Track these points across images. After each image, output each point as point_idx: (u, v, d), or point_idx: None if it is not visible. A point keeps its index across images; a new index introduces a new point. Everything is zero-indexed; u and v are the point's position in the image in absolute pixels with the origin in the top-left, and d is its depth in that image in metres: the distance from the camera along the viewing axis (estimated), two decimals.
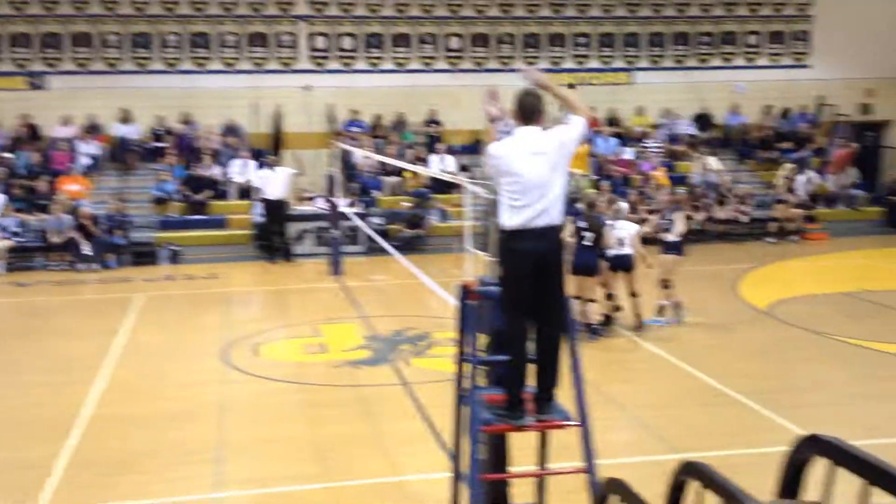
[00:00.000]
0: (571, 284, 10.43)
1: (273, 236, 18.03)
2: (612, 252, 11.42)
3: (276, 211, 17.95)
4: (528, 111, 5.48)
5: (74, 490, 7.09)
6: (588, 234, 11.00)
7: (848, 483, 2.14)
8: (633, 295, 11.66)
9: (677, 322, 11.97)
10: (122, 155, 20.47)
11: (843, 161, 20.62)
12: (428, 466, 7.35)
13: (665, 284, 11.95)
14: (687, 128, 21.79)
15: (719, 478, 2.69)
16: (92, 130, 20.55)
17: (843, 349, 10.93)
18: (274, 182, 18.10)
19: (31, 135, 20.28)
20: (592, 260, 11.04)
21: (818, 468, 2.24)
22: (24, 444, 8.06)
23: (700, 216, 18.72)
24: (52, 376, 10.16)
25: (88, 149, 20.00)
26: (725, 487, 2.61)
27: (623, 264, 11.53)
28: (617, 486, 3.52)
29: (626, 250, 11.50)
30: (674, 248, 11.97)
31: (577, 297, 10.62)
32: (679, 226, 11.94)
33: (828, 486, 2.14)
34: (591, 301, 11.26)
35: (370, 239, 17.27)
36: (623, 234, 11.52)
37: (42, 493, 7.00)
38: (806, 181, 20.22)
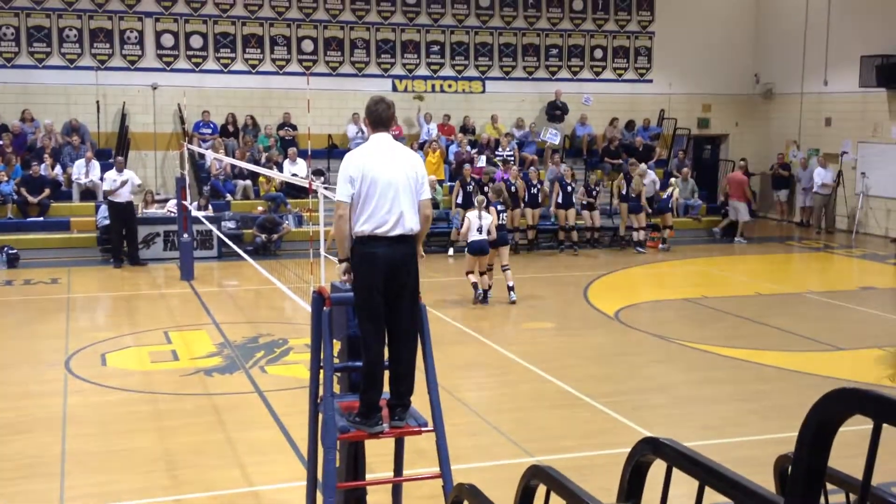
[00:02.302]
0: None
1: (120, 240, 17.37)
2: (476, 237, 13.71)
3: (123, 214, 17.30)
4: (380, 118, 5.60)
5: None
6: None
7: (686, 484, 2.30)
8: (482, 273, 14.26)
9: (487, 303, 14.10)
10: None
11: (740, 186, 21.66)
12: (284, 475, 7.29)
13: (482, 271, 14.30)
14: (551, 137, 22.40)
15: (565, 481, 2.83)
16: None
17: (684, 353, 11.51)
18: (120, 184, 17.40)
19: None
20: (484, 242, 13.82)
21: (657, 470, 2.40)
22: None
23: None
24: None
25: None
26: (571, 490, 2.75)
27: (483, 248, 13.91)
28: (468, 491, 3.62)
29: (485, 236, 13.81)
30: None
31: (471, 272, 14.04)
32: (486, 220, 13.92)
33: (665, 488, 2.30)
34: (484, 273, 14.23)
35: (222, 243, 16.94)
36: (484, 222, 13.79)
37: None
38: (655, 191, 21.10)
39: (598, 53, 24.58)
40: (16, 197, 18.46)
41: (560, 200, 19.78)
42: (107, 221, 17.97)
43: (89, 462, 7.70)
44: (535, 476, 3.03)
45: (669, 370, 10.82)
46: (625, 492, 2.61)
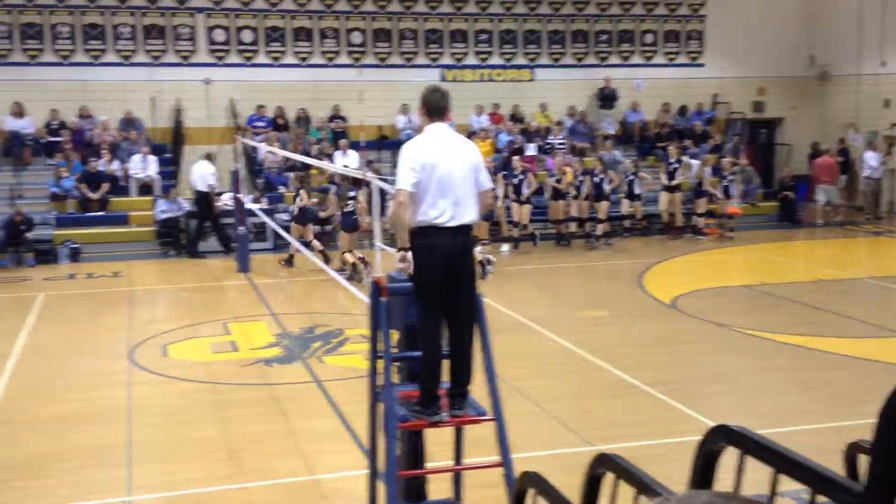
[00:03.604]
0: None
1: (202, 228, 17.71)
2: None
3: (203, 203, 17.70)
4: (436, 108, 5.59)
5: None
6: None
7: (756, 471, 2.28)
8: None
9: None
10: (15, 150, 19.73)
11: (831, 170, 21.36)
12: (343, 464, 7.38)
13: None
14: (607, 126, 22.25)
15: (633, 469, 2.82)
16: None
17: (743, 340, 11.36)
18: (198, 175, 17.87)
19: None
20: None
21: (728, 457, 2.39)
22: None
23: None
24: None
25: None
26: (640, 478, 2.75)
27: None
28: (533, 479, 3.63)
29: None
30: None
31: None
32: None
33: (739, 475, 2.29)
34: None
35: (277, 235, 17.13)
36: None
37: None
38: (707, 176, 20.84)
39: (649, 38, 24.31)
40: (76, 193, 18.86)
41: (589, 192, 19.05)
42: (164, 216, 18.32)
43: (154, 451, 7.87)
44: (603, 464, 3.03)
45: (729, 358, 10.70)
46: (696, 480, 2.60)
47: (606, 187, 18.93)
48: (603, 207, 18.77)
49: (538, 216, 19.08)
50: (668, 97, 23.74)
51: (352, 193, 15.90)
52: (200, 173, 18.13)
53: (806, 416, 8.40)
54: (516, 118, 22.55)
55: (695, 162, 20.78)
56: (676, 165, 19.78)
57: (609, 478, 2.97)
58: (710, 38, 24.50)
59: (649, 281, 15.14)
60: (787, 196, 21.72)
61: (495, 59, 23.35)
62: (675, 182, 19.68)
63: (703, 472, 2.60)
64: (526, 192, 18.22)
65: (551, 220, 19.07)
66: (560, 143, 21.17)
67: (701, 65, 24.52)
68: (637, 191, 19.63)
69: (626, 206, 19.64)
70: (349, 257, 15.08)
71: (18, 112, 20.00)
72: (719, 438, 2.55)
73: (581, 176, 19.00)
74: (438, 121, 5.60)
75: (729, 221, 19.96)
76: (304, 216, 16.49)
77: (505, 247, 18.42)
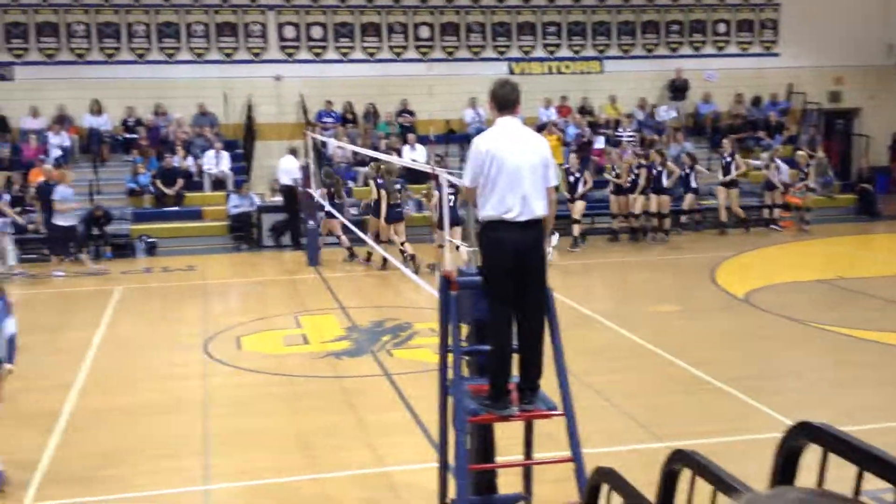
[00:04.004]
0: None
1: (295, 221, 18.10)
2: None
3: (288, 197, 17.98)
4: (506, 101, 5.56)
5: (60, 484, 7.11)
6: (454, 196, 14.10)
7: (838, 468, 2.24)
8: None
9: None
10: (93, 146, 20.31)
11: None
12: (414, 457, 7.43)
13: None
14: (665, 114, 21.91)
15: (712, 465, 2.78)
16: (62, 122, 20.36)
17: (820, 335, 11.12)
18: (284, 169, 18.26)
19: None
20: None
21: (809, 455, 2.34)
22: (9, 439, 8.02)
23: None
24: (34, 370, 10.10)
25: (59, 140, 19.81)
26: (718, 475, 2.71)
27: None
28: (607, 474, 3.60)
29: None
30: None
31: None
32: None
33: (821, 473, 2.24)
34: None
35: (346, 229, 17.29)
36: None
37: (28, 487, 7.02)
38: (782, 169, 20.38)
39: (722, 28, 23.88)
40: (152, 188, 19.32)
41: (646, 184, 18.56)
42: (236, 210, 18.66)
43: (230, 441, 8.02)
44: (680, 460, 3.00)
45: (804, 353, 10.47)
46: (777, 478, 2.56)
47: (666, 181, 18.55)
48: (660, 202, 18.38)
49: (598, 211, 18.91)
50: (742, 88, 23.30)
51: (397, 185, 16.34)
52: (286, 168, 18.50)
53: (886, 414, 8.16)
54: (585, 111, 22.37)
55: (783, 165, 20.14)
56: (730, 159, 19.27)
57: (686, 474, 2.93)
58: (784, 26, 23.95)
59: (722, 275, 14.89)
60: (865, 188, 21.13)
61: (564, 52, 23.20)
62: (730, 177, 19.18)
63: (785, 470, 2.55)
64: (581, 189, 17.87)
65: (612, 215, 18.83)
66: (630, 136, 20.92)
67: (775, 54, 24.00)
68: (693, 184, 19.18)
69: (687, 201, 19.18)
70: (409, 247, 15.37)
71: (97, 110, 20.57)
72: (801, 435, 2.50)
73: (636, 169, 18.60)
74: (508, 114, 5.56)
75: (805, 214, 19.50)
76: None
77: (555, 237, 18.31)
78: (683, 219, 19.34)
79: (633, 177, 18.54)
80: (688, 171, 19.09)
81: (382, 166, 16.33)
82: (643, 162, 18.91)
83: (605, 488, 3.48)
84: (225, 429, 8.30)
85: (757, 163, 20.77)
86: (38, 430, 8.15)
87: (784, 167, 19.96)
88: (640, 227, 18.62)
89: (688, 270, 15.75)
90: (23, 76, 20.83)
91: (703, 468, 2.81)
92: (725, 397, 8.78)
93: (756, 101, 23.29)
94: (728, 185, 19.24)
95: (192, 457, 7.61)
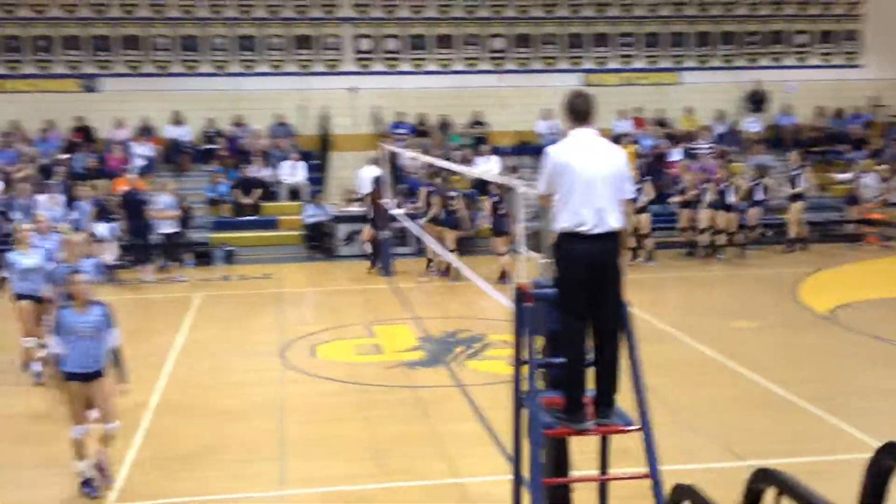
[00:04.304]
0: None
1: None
2: None
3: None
4: (580, 113, 5.53)
5: (141, 485, 7.30)
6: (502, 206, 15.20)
7: None
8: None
9: None
10: (174, 156, 20.85)
11: None
12: (487, 469, 7.43)
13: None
14: (750, 125, 21.47)
15: (799, 485, 2.73)
16: (145, 132, 20.94)
17: None
18: (365, 178, 18.61)
19: (85, 137, 20.72)
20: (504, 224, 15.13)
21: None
22: (92, 442, 8.25)
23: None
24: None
25: (142, 150, 20.37)
26: (806, 495, 2.66)
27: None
28: (687, 492, 3.56)
29: None
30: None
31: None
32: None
33: None
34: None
35: (419, 240, 17.40)
36: None
37: (110, 488, 7.22)
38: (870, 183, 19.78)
39: (802, 39, 23.40)
40: (231, 198, 19.72)
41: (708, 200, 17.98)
42: (311, 220, 18.93)
43: (304, 448, 8.14)
44: (764, 479, 2.96)
45: (889, 373, 10.15)
46: (867, 499, 2.51)
47: (732, 197, 17.96)
48: (727, 218, 17.74)
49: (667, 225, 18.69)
50: (823, 100, 22.78)
51: (452, 194, 16.71)
52: (367, 177, 18.72)
53: None
54: (660, 123, 22.13)
55: (872, 180, 19.55)
56: (798, 172, 18.72)
57: (770, 493, 2.88)
58: (868, 37, 23.35)
59: (805, 291, 14.55)
60: None
61: (639, 63, 23.01)
62: (796, 190, 18.61)
63: (874, 491, 2.49)
64: (643, 199, 17.56)
65: (679, 229, 18.50)
66: (707, 148, 20.62)
67: (858, 66, 23.41)
68: (758, 197, 18.63)
69: (752, 215, 18.53)
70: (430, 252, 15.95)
71: (178, 121, 21.11)
72: (891, 456, 2.45)
73: (703, 184, 18.10)
74: (583, 126, 5.51)
75: (887, 230, 18.93)
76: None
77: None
78: (743, 234, 18.52)
79: (698, 191, 18.15)
80: (754, 184, 18.62)
81: (439, 174, 16.89)
82: (710, 176, 18.49)
83: None
84: (300, 435, 8.43)
85: (843, 177, 20.25)
86: (119, 432, 8.36)
87: (873, 181, 19.42)
88: (707, 243, 18.09)
89: (767, 286, 15.43)
90: (108, 88, 21.50)
91: (789, 487, 2.77)
92: (807, 416, 8.58)
93: (838, 114, 22.75)
94: (793, 198, 18.68)
95: (267, 462, 7.74)
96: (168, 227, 16.95)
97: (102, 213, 16.88)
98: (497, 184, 16.63)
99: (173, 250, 17.34)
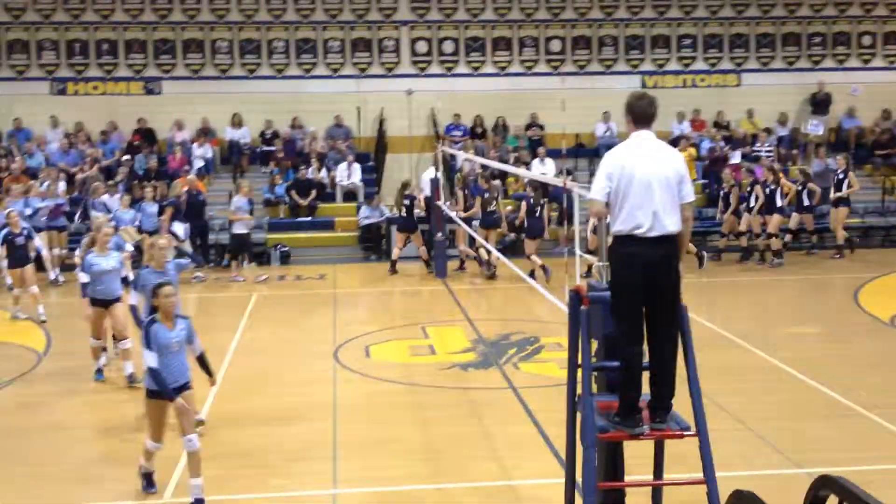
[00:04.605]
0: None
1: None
2: None
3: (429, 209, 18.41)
4: (642, 115, 5.45)
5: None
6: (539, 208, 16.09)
7: None
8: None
9: None
10: (233, 158, 21.14)
11: None
12: (540, 471, 7.38)
13: None
14: (814, 128, 21.00)
15: (861, 493, 2.65)
16: (205, 134, 21.26)
17: None
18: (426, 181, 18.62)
19: (146, 138, 21.11)
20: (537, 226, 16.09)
21: None
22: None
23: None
24: None
25: (202, 152, 20.69)
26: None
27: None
28: (746, 498, 3.49)
29: None
30: None
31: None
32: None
33: None
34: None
35: (473, 242, 17.37)
36: None
37: (168, 484, 7.32)
38: None
39: (867, 40, 22.87)
40: (287, 199, 19.93)
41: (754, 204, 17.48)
42: (367, 221, 19.02)
43: (357, 448, 8.16)
44: (827, 486, 2.88)
45: None
46: None
47: (780, 201, 17.48)
48: (772, 222, 17.29)
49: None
50: (889, 103, 22.24)
51: (494, 194, 17.17)
52: (428, 179, 18.68)
53: None
54: (720, 125, 21.81)
55: None
56: (843, 176, 18.15)
57: (832, 501, 2.80)
58: None
59: (865, 297, 14.20)
60: None
61: (699, 65, 22.72)
62: (841, 194, 18.05)
63: None
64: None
65: (724, 233, 18.14)
66: (768, 151, 20.26)
67: None
68: (806, 202, 18.09)
69: (796, 220, 17.99)
70: (484, 253, 15.96)
71: (237, 123, 21.41)
72: None
73: (750, 187, 17.65)
74: (644, 128, 5.44)
75: None
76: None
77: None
78: (787, 238, 17.92)
79: (745, 194, 17.72)
80: (800, 188, 18.13)
81: (479, 173, 17.30)
82: (757, 179, 17.94)
83: None
84: (353, 435, 8.46)
85: None
86: (177, 429, 8.47)
87: None
88: (750, 247, 17.62)
89: (823, 291, 15.14)
90: (170, 90, 21.90)
91: (851, 495, 2.69)
92: (870, 424, 8.36)
93: None
94: (837, 203, 18.17)
95: (321, 461, 7.78)
96: (241, 228, 17.05)
97: (176, 214, 17.12)
98: (532, 186, 16.95)
99: (244, 251, 17.48)
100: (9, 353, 11.87)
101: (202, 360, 7.29)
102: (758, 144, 20.64)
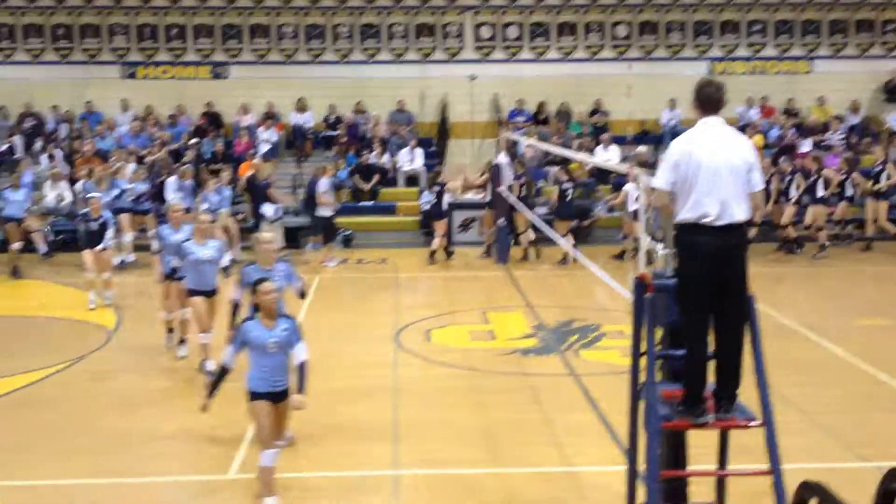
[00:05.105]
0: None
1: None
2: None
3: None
4: (710, 101, 5.37)
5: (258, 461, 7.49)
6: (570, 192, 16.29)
7: None
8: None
9: None
10: (297, 142, 21.35)
11: None
12: (600, 459, 7.36)
13: None
14: (889, 118, 20.43)
15: None
16: (270, 118, 21.51)
17: None
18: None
19: (213, 122, 21.44)
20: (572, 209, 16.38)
21: None
22: (219, 415, 8.44)
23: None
24: None
25: (267, 136, 20.94)
26: None
27: None
28: (815, 489, 3.43)
29: None
30: None
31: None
32: None
33: None
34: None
35: (535, 228, 17.31)
36: None
37: (233, 462, 7.47)
38: None
39: None
40: (350, 183, 20.07)
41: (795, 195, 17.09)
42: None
43: (417, 430, 8.22)
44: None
45: None
46: None
47: (822, 191, 17.01)
48: (814, 213, 16.86)
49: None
50: None
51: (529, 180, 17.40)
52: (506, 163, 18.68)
53: None
54: (790, 112, 21.35)
55: None
56: (882, 168, 17.55)
57: None
58: None
59: None
60: None
61: (769, 51, 22.28)
62: (878, 186, 17.46)
63: None
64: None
65: (773, 224, 17.67)
66: (839, 140, 19.77)
67: None
68: (848, 193, 17.57)
69: (840, 210, 17.58)
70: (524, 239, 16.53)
71: (302, 107, 21.61)
72: None
73: (789, 176, 17.24)
74: (712, 115, 5.36)
75: None
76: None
77: None
78: (826, 230, 17.24)
79: (785, 185, 17.27)
80: (843, 177, 17.59)
81: (517, 159, 17.42)
82: (797, 167, 17.48)
83: (813, 503, 3.32)
84: (413, 418, 8.52)
85: None
86: (243, 408, 8.61)
87: None
88: (792, 238, 17.13)
89: (886, 283, 14.73)
90: (236, 75, 22.22)
91: None
92: None
93: None
94: (877, 195, 17.60)
95: (381, 443, 7.86)
96: (326, 211, 17.15)
97: (259, 196, 17.26)
98: (566, 170, 17.16)
99: (331, 233, 17.58)
100: (83, 330, 12.21)
101: (299, 371, 6.55)
102: (829, 133, 20.15)
